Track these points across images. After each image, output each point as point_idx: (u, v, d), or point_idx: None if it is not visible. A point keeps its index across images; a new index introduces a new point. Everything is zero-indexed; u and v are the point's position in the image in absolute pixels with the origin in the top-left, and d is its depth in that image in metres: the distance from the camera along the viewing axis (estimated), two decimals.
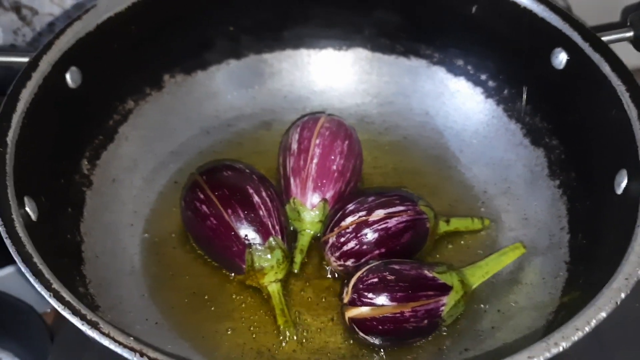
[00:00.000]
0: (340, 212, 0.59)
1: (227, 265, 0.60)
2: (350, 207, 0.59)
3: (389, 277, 0.54)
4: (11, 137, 0.52)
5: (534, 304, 0.58)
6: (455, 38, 0.69)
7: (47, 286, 0.43)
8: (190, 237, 0.62)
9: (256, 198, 0.59)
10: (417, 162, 0.69)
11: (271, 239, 0.58)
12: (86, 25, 0.60)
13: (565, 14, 0.61)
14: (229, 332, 0.57)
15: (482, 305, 0.58)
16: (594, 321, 0.42)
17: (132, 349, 0.40)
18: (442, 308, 0.55)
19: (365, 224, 0.58)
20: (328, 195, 0.62)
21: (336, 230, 0.58)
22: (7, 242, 0.45)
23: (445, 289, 0.55)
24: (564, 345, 0.41)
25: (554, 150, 0.64)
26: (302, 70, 0.73)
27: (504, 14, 0.64)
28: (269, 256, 0.58)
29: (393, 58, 0.72)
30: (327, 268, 0.61)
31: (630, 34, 0.65)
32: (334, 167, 0.62)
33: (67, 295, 0.43)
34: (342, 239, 0.58)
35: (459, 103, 0.70)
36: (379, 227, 0.58)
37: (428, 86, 0.71)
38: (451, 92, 0.71)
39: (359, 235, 0.58)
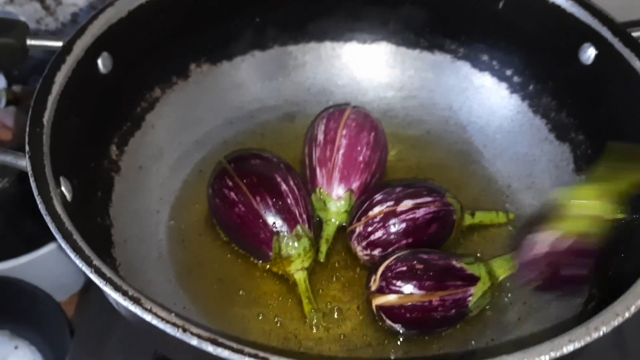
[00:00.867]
0: (368, 202, 0.59)
1: (254, 252, 0.60)
2: (378, 197, 0.59)
3: (417, 266, 0.54)
4: (47, 118, 0.53)
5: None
6: (481, 33, 0.69)
7: (89, 262, 0.43)
8: (216, 225, 0.62)
9: (284, 186, 0.59)
10: (440, 156, 0.69)
11: (299, 227, 0.58)
12: (118, 11, 0.61)
13: (595, 9, 0.61)
14: (257, 318, 0.57)
15: (508, 297, 0.58)
16: (634, 307, 0.42)
17: (174, 325, 0.40)
18: (470, 298, 0.55)
19: (393, 214, 0.58)
20: (354, 186, 0.62)
21: (363, 219, 0.58)
22: (47, 219, 0.45)
23: (473, 280, 0.55)
24: (604, 329, 0.41)
25: (580, 146, 0.64)
26: (326, 63, 0.73)
27: (531, 10, 0.65)
28: (296, 244, 0.58)
29: (417, 52, 0.72)
30: (353, 258, 0.61)
31: None
32: (360, 158, 0.62)
33: (107, 272, 0.43)
34: (370, 229, 0.58)
35: (483, 98, 0.71)
36: (407, 217, 0.58)
37: (452, 81, 0.72)
38: (475, 87, 0.71)
39: (386, 224, 0.58)
